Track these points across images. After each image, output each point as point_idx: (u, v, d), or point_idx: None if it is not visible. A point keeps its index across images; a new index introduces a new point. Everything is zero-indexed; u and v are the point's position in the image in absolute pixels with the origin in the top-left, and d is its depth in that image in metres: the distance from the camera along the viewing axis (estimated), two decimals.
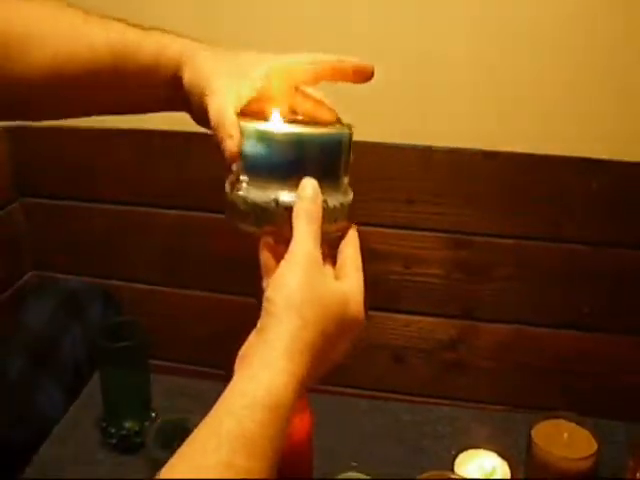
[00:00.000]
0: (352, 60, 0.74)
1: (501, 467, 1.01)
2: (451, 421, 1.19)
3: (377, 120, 1.39)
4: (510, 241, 1.39)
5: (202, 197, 1.49)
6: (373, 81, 1.38)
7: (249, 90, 0.70)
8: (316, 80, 0.74)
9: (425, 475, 0.92)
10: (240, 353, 0.67)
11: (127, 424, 1.17)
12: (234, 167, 0.67)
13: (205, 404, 1.05)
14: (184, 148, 1.46)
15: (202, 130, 0.72)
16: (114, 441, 1.18)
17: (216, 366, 1.53)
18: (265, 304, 0.65)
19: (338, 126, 0.73)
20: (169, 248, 1.56)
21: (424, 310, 1.43)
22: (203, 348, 1.57)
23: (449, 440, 1.10)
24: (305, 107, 0.75)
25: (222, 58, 0.73)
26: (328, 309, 0.65)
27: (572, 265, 1.38)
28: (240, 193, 0.67)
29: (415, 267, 1.42)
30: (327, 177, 0.69)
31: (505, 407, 1.38)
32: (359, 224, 1.41)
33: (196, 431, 0.63)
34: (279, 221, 0.67)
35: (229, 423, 0.61)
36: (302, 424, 1.02)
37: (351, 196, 0.74)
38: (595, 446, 1.03)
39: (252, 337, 0.66)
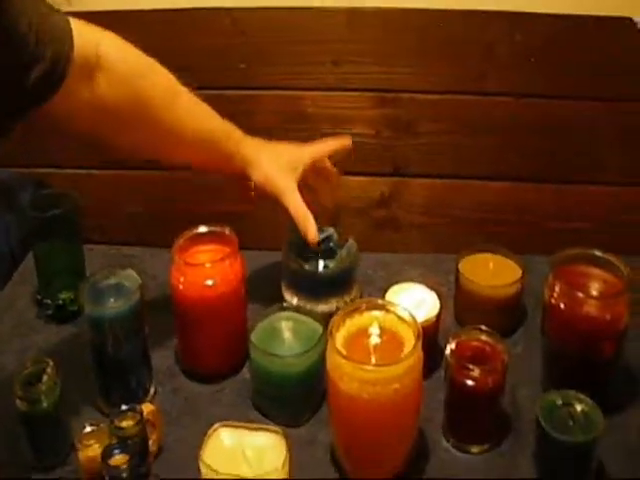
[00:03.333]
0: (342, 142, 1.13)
1: (430, 297, 1.04)
2: (383, 266, 1.22)
3: None
4: (436, 96, 1.39)
5: None
6: None
7: (298, 179, 1.08)
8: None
9: (354, 304, 0.94)
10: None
11: (62, 295, 1.17)
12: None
13: (139, 267, 1.06)
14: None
15: None
16: (50, 312, 1.17)
17: (154, 243, 1.52)
18: None
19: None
20: None
21: (354, 169, 1.43)
22: (140, 226, 1.56)
23: (380, 282, 1.12)
24: (316, 182, 1.13)
25: (274, 158, 1.08)
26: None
27: (498, 117, 1.39)
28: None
29: (344, 127, 1.42)
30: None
31: None
32: (288, 89, 1.41)
33: None
34: None
35: None
36: (234, 269, 1.03)
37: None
38: (519, 273, 1.07)
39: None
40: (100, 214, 1.56)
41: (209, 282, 1.01)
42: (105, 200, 1.57)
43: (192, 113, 1.06)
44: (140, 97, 0.99)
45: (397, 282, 1.06)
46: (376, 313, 0.93)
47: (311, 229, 1.05)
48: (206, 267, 1.02)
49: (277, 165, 1.08)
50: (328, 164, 1.14)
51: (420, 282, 1.06)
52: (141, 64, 1.00)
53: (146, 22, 1.42)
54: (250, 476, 0.86)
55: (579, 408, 0.89)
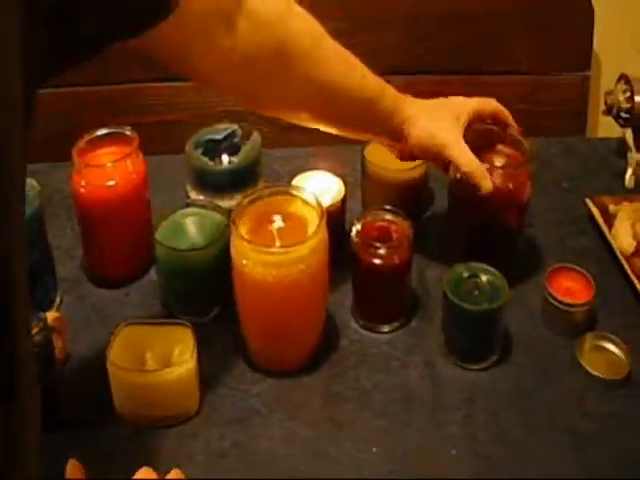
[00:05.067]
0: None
1: (336, 184, 1.02)
2: (289, 160, 1.19)
3: None
4: None
5: None
6: None
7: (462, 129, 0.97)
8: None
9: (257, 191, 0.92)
10: None
11: None
12: None
13: (42, 182, 1.02)
14: None
15: None
16: None
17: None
18: None
19: None
20: None
21: None
22: (42, 146, 1.50)
23: (287, 176, 1.10)
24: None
25: (435, 109, 0.99)
26: None
27: (400, 10, 1.36)
28: None
29: None
30: None
31: None
32: None
33: None
34: None
35: None
36: (136, 168, 1.00)
37: None
38: None
39: None
40: None
41: (111, 183, 0.98)
42: None
43: (342, 64, 0.93)
44: (284, 45, 0.86)
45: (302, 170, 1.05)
46: (279, 198, 0.91)
47: (486, 181, 0.92)
48: (107, 167, 0.98)
49: (438, 117, 0.97)
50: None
51: (325, 170, 1.05)
52: (280, 3, 0.87)
53: None
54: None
55: (485, 279, 0.90)
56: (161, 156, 1.16)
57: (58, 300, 1.01)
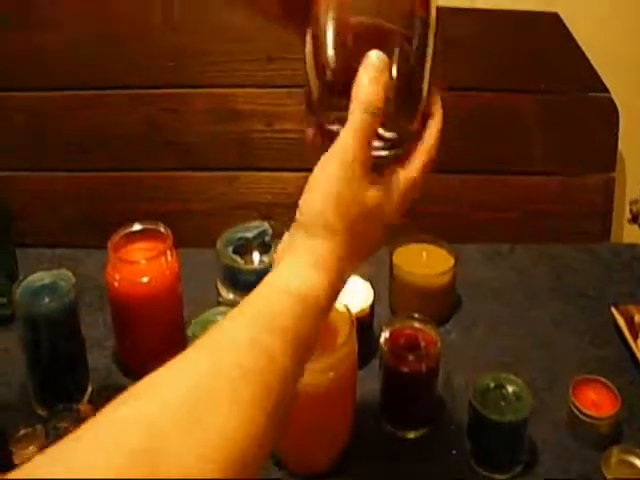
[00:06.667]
0: None
1: (364, 288, 1.05)
2: None
3: None
4: None
5: (57, 75, 1.43)
6: None
7: None
8: None
9: None
10: (275, 255, 0.67)
11: None
12: None
13: (75, 269, 1.05)
14: (39, 17, 1.39)
15: None
16: None
17: (89, 246, 1.50)
18: (297, 210, 0.66)
19: None
20: (26, 132, 1.49)
21: (289, 166, 1.43)
22: (74, 229, 1.54)
23: None
24: None
25: None
26: (357, 217, 0.64)
27: None
28: None
29: (277, 124, 1.42)
30: None
31: None
32: (220, 86, 1.41)
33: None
34: None
35: (258, 304, 0.62)
36: (170, 266, 1.03)
37: None
38: (452, 262, 1.08)
39: (285, 239, 0.66)
40: (30, 216, 1.53)
41: (144, 279, 1.01)
42: (34, 203, 1.54)
43: None
44: None
45: None
46: None
47: None
48: (141, 264, 1.01)
49: None
50: None
51: (354, 273, 1.07)
52: None
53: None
54: None
55: (510, 389, 0.92)
56: (193, 249, 1.18)
57: (90, 390, 1.03)
